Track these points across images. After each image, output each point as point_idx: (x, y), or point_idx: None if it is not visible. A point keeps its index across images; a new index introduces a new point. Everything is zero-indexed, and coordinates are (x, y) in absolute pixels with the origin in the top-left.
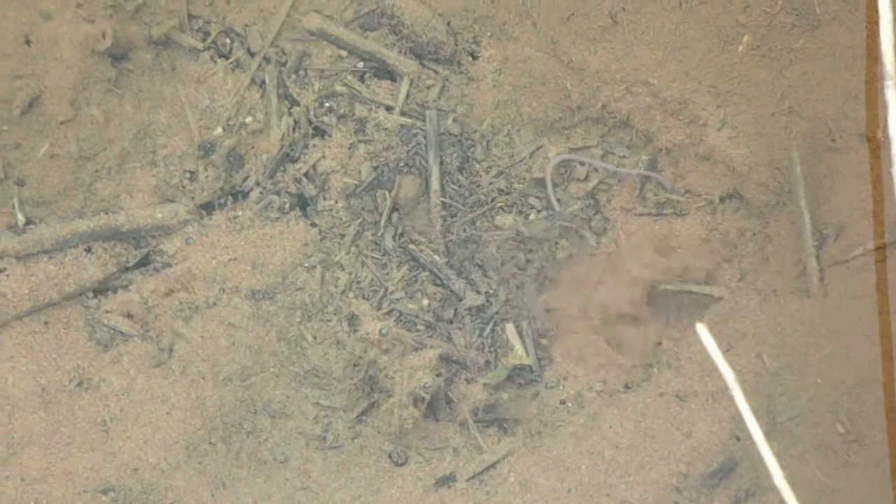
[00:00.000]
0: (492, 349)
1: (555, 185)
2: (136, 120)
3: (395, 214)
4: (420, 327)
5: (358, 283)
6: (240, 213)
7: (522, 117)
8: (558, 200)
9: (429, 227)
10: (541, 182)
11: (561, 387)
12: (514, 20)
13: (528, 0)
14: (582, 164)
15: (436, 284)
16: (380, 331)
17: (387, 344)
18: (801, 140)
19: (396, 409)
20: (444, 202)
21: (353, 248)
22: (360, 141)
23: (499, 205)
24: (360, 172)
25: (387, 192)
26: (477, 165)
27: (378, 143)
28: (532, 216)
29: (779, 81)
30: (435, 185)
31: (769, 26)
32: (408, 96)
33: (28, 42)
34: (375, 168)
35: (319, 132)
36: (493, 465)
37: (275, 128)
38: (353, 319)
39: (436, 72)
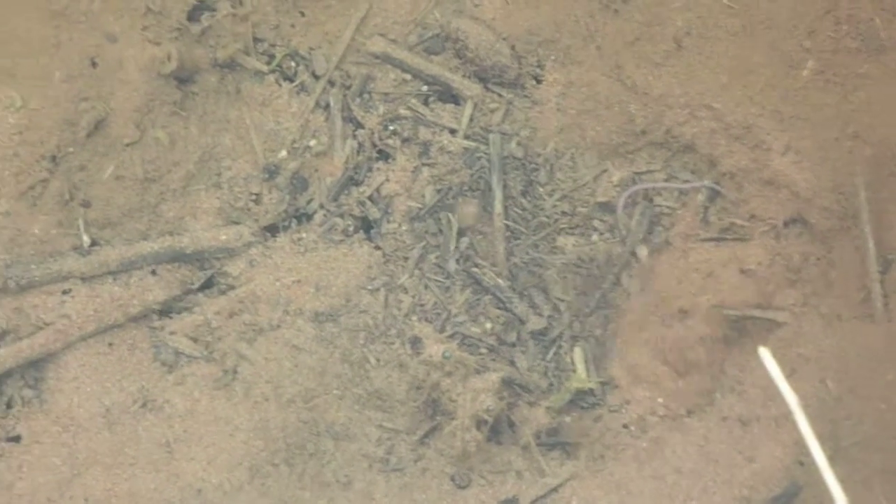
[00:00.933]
0: (555, 373)
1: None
2: (201, 142)
3: (465, 239)
4: (483, 350)
5: (421, 305)
6: (304, 235)
7: (586, 141)
8: (625, 226)
9: (492, 250)
10: (605, 206)
11: (623, 411)
12: (578, 44)
13: (592, 24)
14: (646, 189)
15: (498, 308)
16: (443, 354)
17: (450, 367)
18: (866, 165)
19: (459, 432)
20: (507, 225)
21: (416, 271)
22: (423, 164)
23: (561, 226)
24: (423, 196)
25: (450, 216)
26: (540, 189)
27: (442, 166)
28: (595, 238)
29: (843, 106)
30: (498, 208)
31: (834, 51)
32: (472, 120)
33: (94, 64)
34: (439, 191)
35: (383, 155)
36: (555, 489)
37: (339, 151)
38: (416, 342)
39: (500, 95)
